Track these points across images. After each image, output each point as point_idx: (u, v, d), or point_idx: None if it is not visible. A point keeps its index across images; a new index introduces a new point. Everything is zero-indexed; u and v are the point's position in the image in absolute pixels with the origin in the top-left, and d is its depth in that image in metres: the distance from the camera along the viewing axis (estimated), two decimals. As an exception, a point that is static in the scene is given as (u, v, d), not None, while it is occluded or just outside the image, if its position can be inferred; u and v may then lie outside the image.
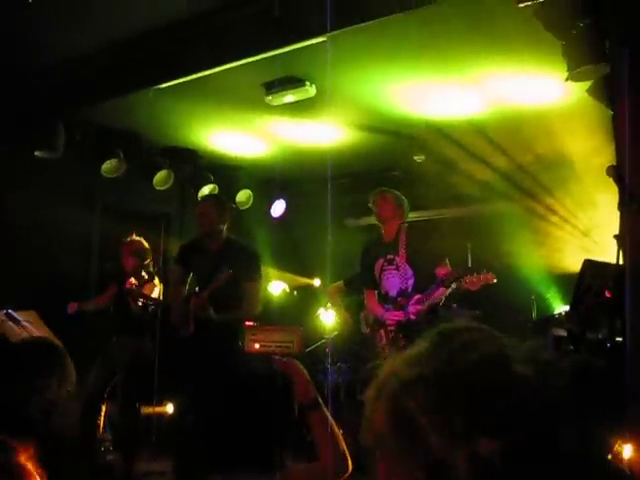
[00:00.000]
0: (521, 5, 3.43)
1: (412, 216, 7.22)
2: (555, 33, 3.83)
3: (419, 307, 4.55)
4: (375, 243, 5.07)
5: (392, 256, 4.78)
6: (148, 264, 6.01)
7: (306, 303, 8.05)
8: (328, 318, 7.08)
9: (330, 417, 2.08)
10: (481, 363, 0.85)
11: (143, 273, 5.84)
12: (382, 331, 4.78)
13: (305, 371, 2.12)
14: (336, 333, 6.85)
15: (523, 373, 0.85)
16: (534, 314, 6.68)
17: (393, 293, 4.73)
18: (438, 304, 4.67)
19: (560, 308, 6.85)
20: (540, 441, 0.83)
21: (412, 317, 4.53)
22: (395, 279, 4.72)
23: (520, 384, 0.84)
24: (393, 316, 4.66)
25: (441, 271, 4.54)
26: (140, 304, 5.82)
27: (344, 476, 2.03)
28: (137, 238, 6.17)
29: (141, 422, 5.59)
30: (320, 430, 2.04)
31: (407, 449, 0.86)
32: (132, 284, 5.79)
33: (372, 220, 8.70)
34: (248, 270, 5.01)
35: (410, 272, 4.66)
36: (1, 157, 6.30)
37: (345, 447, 2.05)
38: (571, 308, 4.48)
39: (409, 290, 4.66)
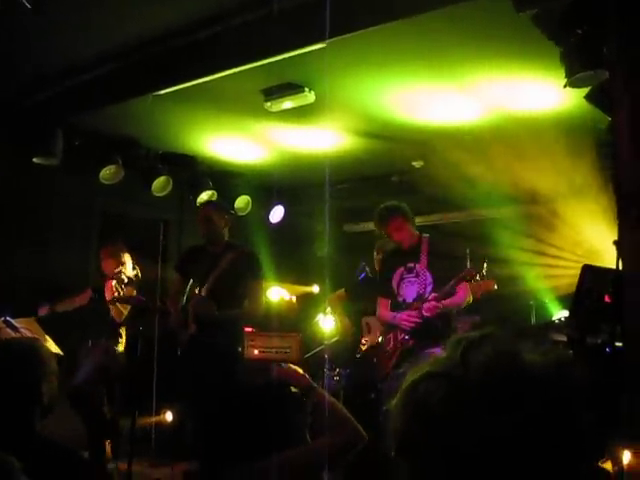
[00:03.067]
0: (522, 13, 3.44)
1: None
2: (554, 40, 3.85)
3: (435, 304, 4.47)
4: (393, 253, 4.99)
5: (412, 264, 4.71)
6: (125, 266, 6.01)
7: (305, 309, 8.06)
8: (327, 324, 7.09)
9: (332, 397, 2.32)
10: (493, 354, 0.91)
11: (123, 276, 5.82)
12: (391, 335, 4.71)
13: (296, 368, 2.42)
14: (335, 339, 6.86)
15: (532, 358, 0.91)
16: (533, 319, 6.69)
17: (410, 299, 4.67)
18: (452, 311, 4.66)
19: (559, 313, 6.85)
20: (552, 416, 0.87)
21: (426, 314, 4.46)
22: (414, 286, 4.65)
23: (529, 367, 0.90)
24: (406, 316, 4.57)
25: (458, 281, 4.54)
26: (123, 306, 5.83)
27: (360, 445, 2.20)
28: (115, 242, 6.16)
29: (136, 429, 5.58)
30: (325, 410, 2.24)
31: (424, 442, 0.89)
32: (115, 290, 5.75)
33: (371, 226, 8.77)
34: (249, 270, 5.02)
35: (429, 279, 4.60)
36: (0, 163, 6.30)
37: (353, 419, 2.23)
38: (570, 313, 4.49)
39: (426, 295, 4.60)
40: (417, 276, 4.66)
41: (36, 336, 5.36)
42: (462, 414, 0.86)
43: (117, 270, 5.79)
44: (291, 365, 2.46)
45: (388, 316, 4.78)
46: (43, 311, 5.99)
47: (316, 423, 2.31)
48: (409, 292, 4.70)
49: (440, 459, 0.87)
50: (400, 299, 4.75)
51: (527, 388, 0.87)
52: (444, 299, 4.52)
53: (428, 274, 4.62)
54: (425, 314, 4.46)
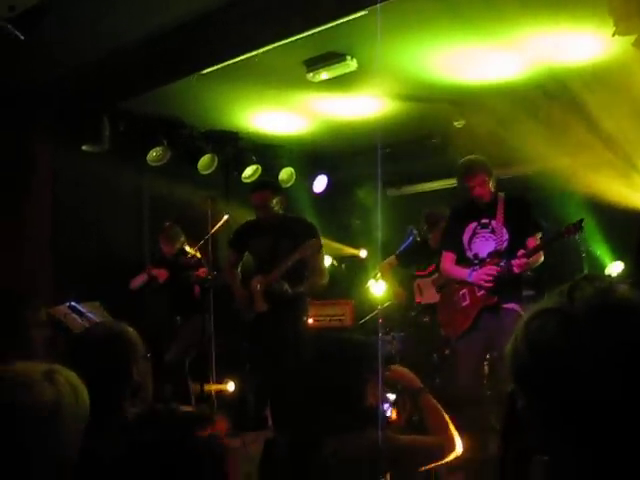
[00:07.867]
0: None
1: (449, 183, 7.23)
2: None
3: (525, 261, 4.42)
4: (467, 207, 4.85)
5: (487, 220, 4.65)
6: (184, 245, 6.23)
7: (354, 275, 8.13)
8: (378, 289, 7.14)
9: (437, 403, 2.46)
10: (594, 290, 1.02)
11: (202, 260, 5.99)
12: (466, 291, 4.64)
13: (405, 369, 2.58)
14: (387, 304, 6.91)
15: (626, 293, 1.01)
16: (586, 271, 6.65)
17: (483, 255, 4.62)
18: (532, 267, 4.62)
19: (612, 265, 6.81)
20: None
21: (516, 270, 4.42)
22: (490, 242, 4.59)
23: (625, 299, 1.00)
24: (487, 271, 4.52)
25: (531, 242, 4.53)
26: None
27: (452, 455, 2.36)
28: (169, 224, 6.47)
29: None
30: (428, 412, 2.44)
31: (539, 374, 0.99)
32: (202, 273, 5.94)
33: (413, 189, 8.76)
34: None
35: (506, 235, 4.55)
36: (51, 152, 6.43)
37: (454, 429, 2.38)
38: (634, 266, 4.47)
39: (503, 251, 4.55)
40: (493, 232, 4.59)
41: (101, 319, 5.52)
42: (571, 343, 0.96)
43: (195, 257, 6.03)
44: (402, 368, 2.59)
45: (461, 272, 4.70)
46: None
47: (420, 424, 2.53)
48: (483, 247, 4.64)
49: (556, 389, 0.97)
50: (470, 254, 4.69)
51: (622, 317, 0.97)
52: (532, 255, 4.48)
53: (504, 230, 4.56)
54: (515, 270, 4.42)
